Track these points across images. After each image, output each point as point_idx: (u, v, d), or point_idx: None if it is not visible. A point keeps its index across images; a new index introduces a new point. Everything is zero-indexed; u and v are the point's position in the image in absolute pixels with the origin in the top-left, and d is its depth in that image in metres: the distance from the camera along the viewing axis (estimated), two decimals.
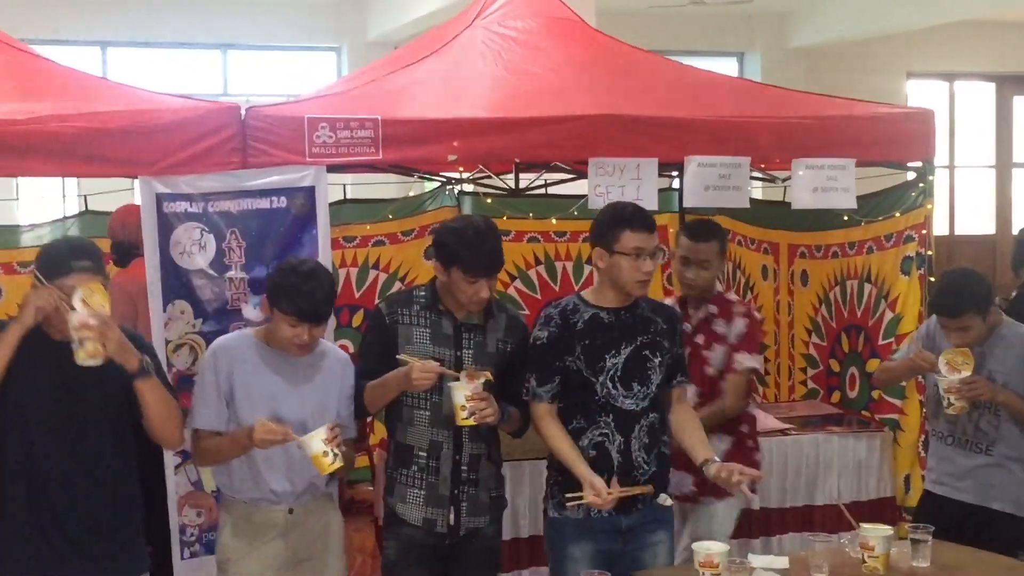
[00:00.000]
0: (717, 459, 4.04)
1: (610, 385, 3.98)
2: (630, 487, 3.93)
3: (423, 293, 4.10)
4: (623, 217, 3.98)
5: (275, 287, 3.84)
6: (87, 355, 3.37)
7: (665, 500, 4.07)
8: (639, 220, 3.97)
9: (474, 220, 4.11)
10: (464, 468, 4.04)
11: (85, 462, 3.56)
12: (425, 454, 4.02)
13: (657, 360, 4.04)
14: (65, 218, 8.18)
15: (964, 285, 4.62)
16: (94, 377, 3.42)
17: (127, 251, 5.93)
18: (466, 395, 3.78)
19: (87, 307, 3.37)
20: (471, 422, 3.81)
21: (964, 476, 4.66)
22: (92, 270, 3.48)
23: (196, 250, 4.88)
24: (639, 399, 4.00)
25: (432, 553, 4.07)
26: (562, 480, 4.01)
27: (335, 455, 3.65)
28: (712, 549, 3.69)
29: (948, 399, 4.45)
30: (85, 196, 8.03)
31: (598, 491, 3.83)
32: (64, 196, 9.19)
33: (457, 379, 3.83)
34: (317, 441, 3.64)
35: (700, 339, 4.84)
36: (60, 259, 3.47)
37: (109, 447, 3.59)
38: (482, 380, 3.81)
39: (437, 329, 4.02)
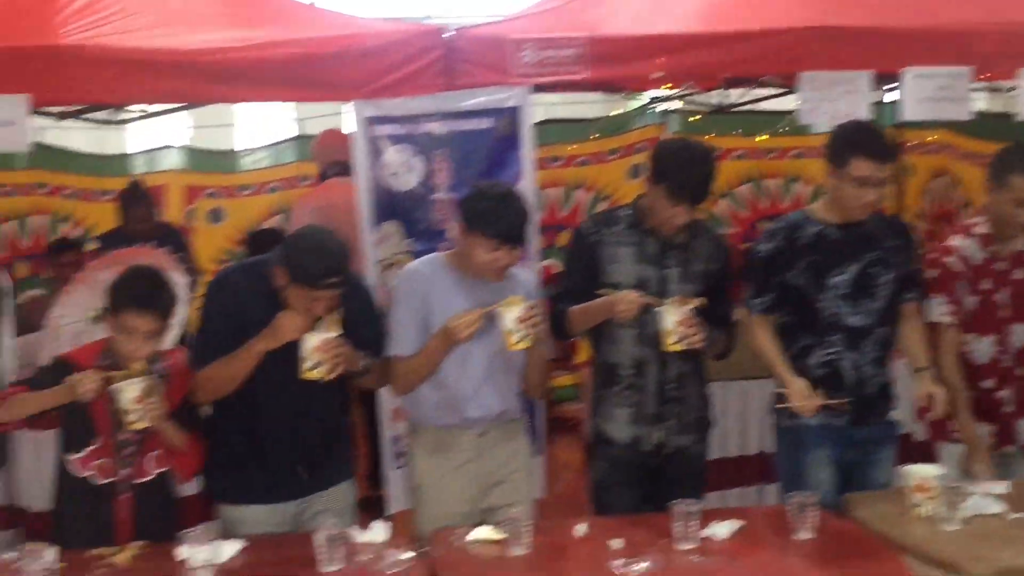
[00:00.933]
0: (930, 370, 3.97)
1: (839, 303, 3.91)
2: (831, 398, 3.85)
3: (628, 211, 4.06)
4: (856, 142, 3.84)
5: (471, 212, 3.76)
6: (313, 375, 3.56)
7: (897, 416, 4.06)
8: (872, 147, 3.81)
9: (694, 145, 4.01)
10: (670, 386, 4.02)
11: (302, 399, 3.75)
12: (631, 372, 4.01)
13: (886, 276, 3.94)
14: (280, 142, 8.45)
15: None
16: None
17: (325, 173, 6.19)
18: (675, 320, 3.74)
19: (326, 331, 3.55)
20: (679, 347, 3.78)
21: None
22: (337, 286, 3.59)
23: (405, 171, 4.97)
24: (867, 315, 3.92)
25: (638, 472, 4.08)
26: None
27: (524, 335, 3.63)
28: (926, 472, 3.59)
29: None
30: (300, 120, 8.27)
31: (800, 394, 3.81)
32: (281, 121, 9.46)
33: (664, 305, 3.79)
34: (511, 316, 3.62)
35: (1020, 274, 4.20)
36: (314, 274, 3.54)
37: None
38: (692, 306, 3.77)
39: (642, 248, 3.98)
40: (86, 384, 3.47)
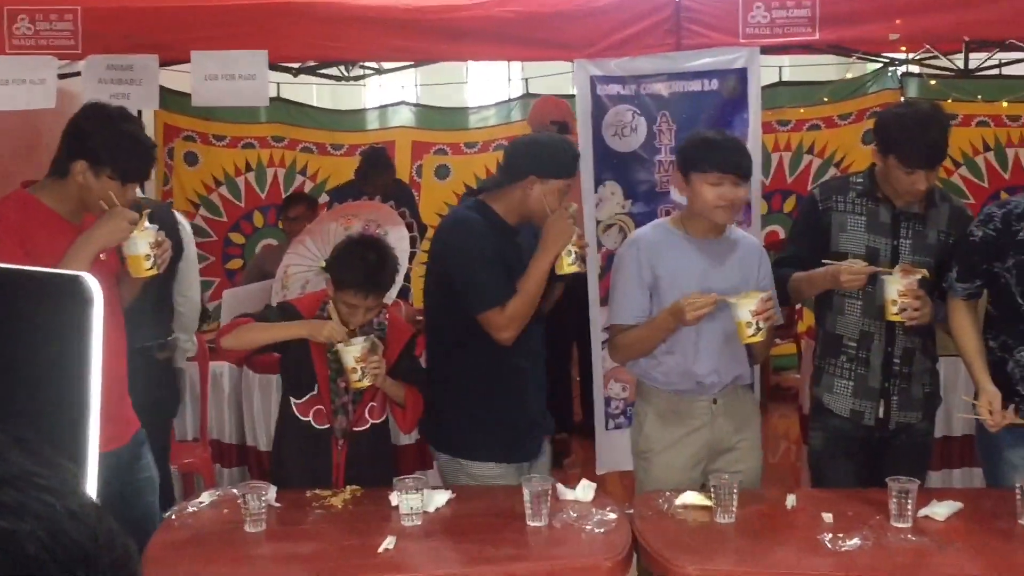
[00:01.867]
0: None
1: None
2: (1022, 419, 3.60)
3: (860, 180, 3.92)
4: None
5: (689, 153, 3.74)
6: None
7: None
8: None
9: (919, 106, 3.86)
10: (896, 361, 3.87)
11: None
12: (855, 344, 3.89)
13: None
14: (509, 100, 8.54)
15: None
16: None
17: None
18: (899, 290, 3.61)
19: None
20: (900, 318, 3.64)
21: None
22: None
23: (628, 132, 4.95)
24: None
25: (859, 445, 3.95)
26: (998, 385, 3.74)
27: (759, 328, 3.56)
28: None
29: None
30: (527, 79, 8.33)
31: (992, 406, 3.58)
32: (509, 79, 9.57)
33: (890, 274, 3.66)
34: (746, 309, 3.55)
35: None
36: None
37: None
38: (917, 277, 3.62)
39: (874, 217, 3.84)
40: (329, 331, 3.60)
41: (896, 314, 3.62)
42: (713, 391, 3.83)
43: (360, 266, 3.72)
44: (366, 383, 3.61)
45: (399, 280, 4.83)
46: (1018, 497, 3.29)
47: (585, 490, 3.49)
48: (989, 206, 3.85)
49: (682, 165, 3.79)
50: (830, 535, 3.14)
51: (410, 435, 5.23)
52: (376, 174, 7.17)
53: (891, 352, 3.86)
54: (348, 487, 3.61)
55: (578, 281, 4.37)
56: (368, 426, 3.84)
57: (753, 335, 3.58)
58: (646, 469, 3.91)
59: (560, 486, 3.48)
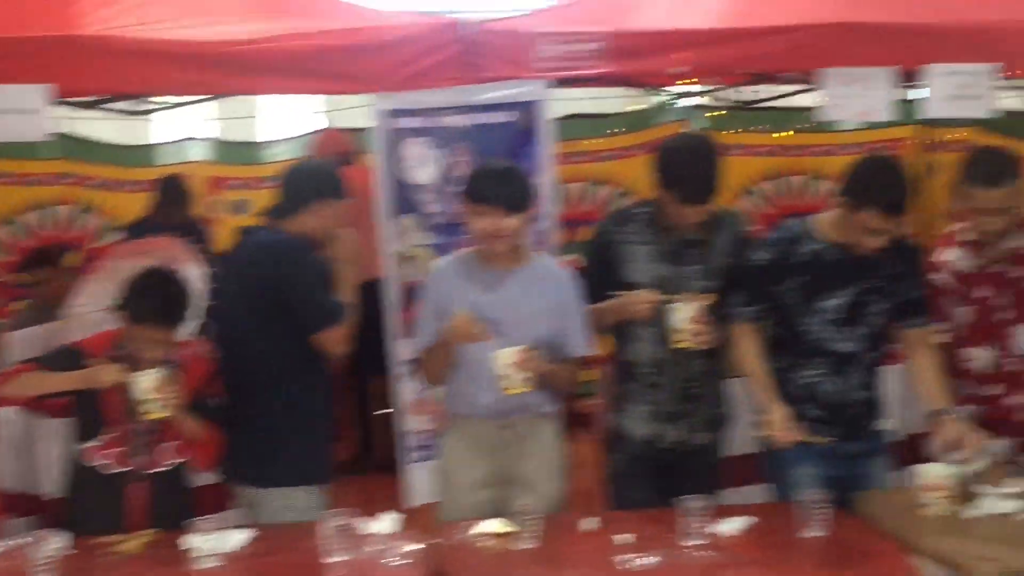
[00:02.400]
0: (952, 412, 3.80)
1: (824, 327, 3.81)
2: (811, 436, 3.78)
3: (645, 210, 4.02)
4: (871, 195, 3.63)
5: (465, 182, 3.83)
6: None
7: (883, 425, 3.97)
8: (886, 203, 3.62)
9: (692, 141, 4.00)
10: (689, 384, 3.99)
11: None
12: (650, 370, 3.99)
13: (882, 305, 3.82)
14: (305, 135, 8.46)
15: None
16: None
17: None
18: (685, 317, 3.72)
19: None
20: (687, 345, 3.75)
21: None
22: None
23: (424, 165, 4.97)
24: (854, 342, 3.83)
25: (655, 467, 4.06)
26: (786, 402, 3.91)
27: (519, 379, 3.61)
28: (937, 472, 3.56)
29: None
30: (327, 112, 8.28)
31: (781, 424, 3.75)
32: (304, 114, 9.50)
33: (676, 303, 3.76)
34: (502, 362, 3.60)
35: (1019, 271, 4.08)
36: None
37: None
38: (702, 304, 3.74)
39: (660, 246, 3.95)
40: (108, 375, 3.50)
41: (682, 342, 3.73)
42: (505, 416, 3.88)
43: (154, 299, 3.64)
44: (157, 415, 3.52)
45: (194, 317, 4.73)
46: (802, 511, 3.43)
47: (386, 522, 3.47)
48: (772, 231, 4.02)
49: (462, 196, 3.86)
50: (628, 556, 3.21)
51: (209, 475, 5.13)
52: (174, 206, 7.00)
53: (684, 376, 3.97)
54: (144, 531, 3.51)
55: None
56: (166, 467, 3.74)
57: (511, 387, 3.64)
58: (448, 496, 3.96)
59: (362, 521, 3.46)
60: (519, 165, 4.08)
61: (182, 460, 3.79)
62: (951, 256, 4.15)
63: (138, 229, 6.88)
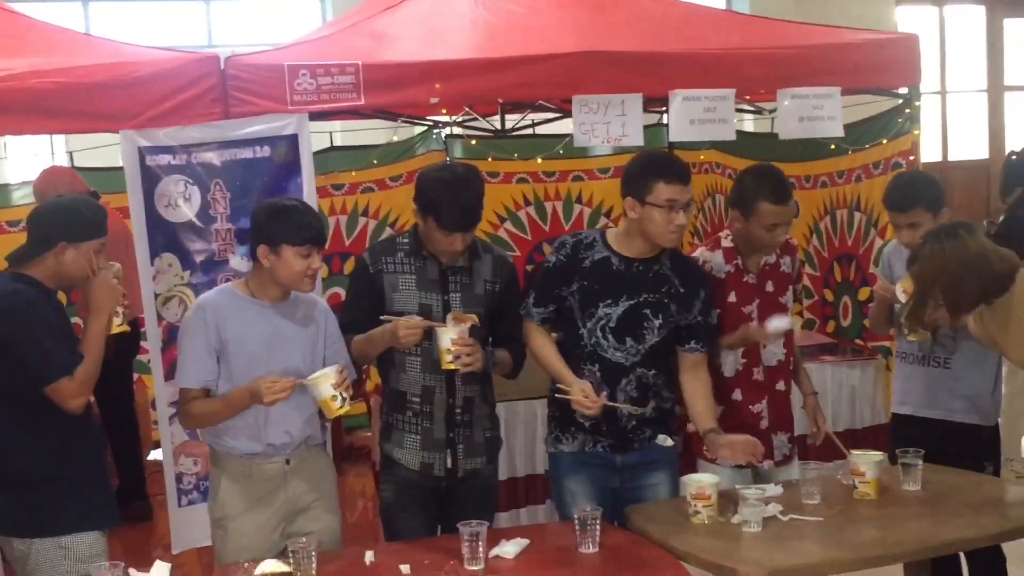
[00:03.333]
0: (720, 432, 3.95)
1: (599, 334, 3.93)
2: (620, 404, 3.89)
3: (406, 240, 4.05)
4: (656, 167, 3.86)
5: (270, 225, 3.74)
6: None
7: (665, 440, 4.04)
8: (673, 171, 3.84)
9: (455, 170, 4.02)
10: (458, 411, 4.02)
11: None
12: (419, 399, 4.00)
13: (657, 321, 3.95)
14: None
15: (914, 180, 4.65)
16: None
17: None
18: (452, 339, 3.77)
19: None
20: (456, 366, 3.80)
21: (925, 392, 4.51)
22: None
23: (181, 202, 4.87)
24: (630, 353, 3.94)
25: (430, 495, 4.07)
26: (560, 416, 4.01)
27: (344, 399, 3.62)
28: (704, 481, 3.71)
29: (905, 326, 4.21)
30: (71, 153, 7.99)
31: (587, 394, 3.83)
32: (53, 153, 9.15)
33: (443, 326, 3.81)
34: (326, 385, 3.60)
35: (770, 286, 4.31)
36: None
37: None
38: (468, 325, 3.80)
39: (423, 275, 3.98)
40: None
41: (451, 363, 3.78)
42: (285, 452, 3.84)
43: None
44: None
45: None
46: (576, 528, 3.51)
47: (159, 571, 3.37)
48: (563, 235, 4.14)
49: (262, 235, 3.76)
50: None
51: None
52: None
53: (452, 403, 4.00)
54: None
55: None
56: None
57: (340, 407, 3.65)
58: (223, 537, 3.87)
59: (132, 570, 3.34)
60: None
61: None
62: (709, 256, 4.28)
63: None
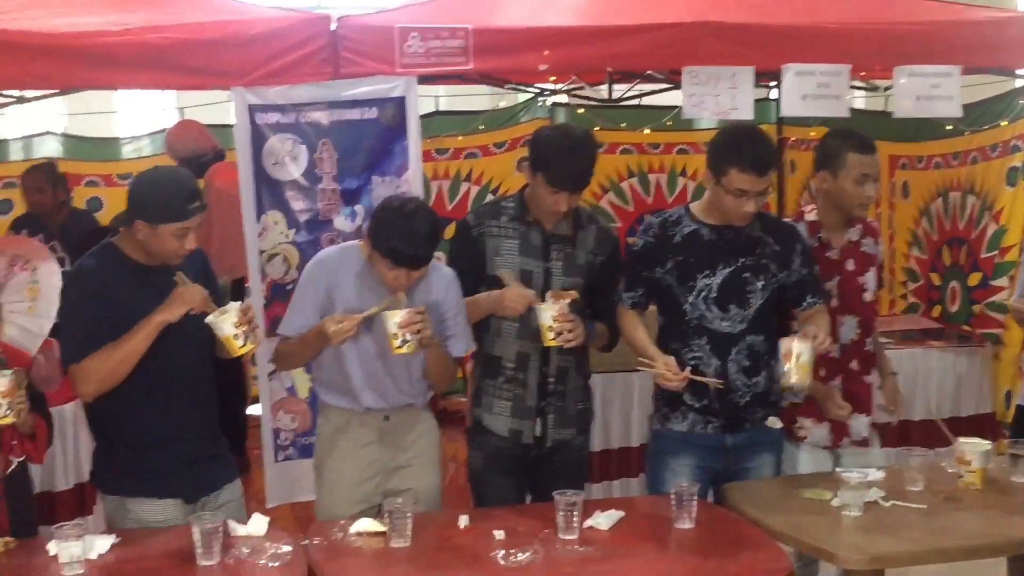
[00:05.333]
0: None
1: (703, 306, 3.86)
2: (705, 378, 3.81)
3: (511, 204, 4.03)
4: (735, 153, 3.75)
5: (375, 224, 3.67)
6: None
7: (775, 423, 3.97)
8: (750, 160, 3.72)
9: (572, 131, 3.96)
10: (551, 379, 4.01)
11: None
12: (513, 365, 4.00)
13: (759, 283, 3.87)
14: (164, 130, 8.27)
15: None
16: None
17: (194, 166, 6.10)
18: (552, 316, 3.73)
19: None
20: (557, 342, 3.76)
21: None
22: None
23: (288, 161, 4.91)
24: (736, 321, 3.86)
25: (518, 463, 4.06)
26: (669, 393, 3.93)
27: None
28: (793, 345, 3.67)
29: None
30: (182, 108, 8.11)
31: (670, 367, 3.78)
32: (163, 108, 9.29)
33: (541, 303, 3.77)
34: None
35: (851, 265, 4.20)
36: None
37: None
38: (567, 301, 3.76)
39: (526, 240, 3.96)
40: None
41: (552, 340, 3.74)
42: (381, 412, 3.87)
43: None
44: (10, 420, 3.36)
45: (51, 315, 4.59)
46: (672, 503, 3.48)
47: (257, 524, 3.42)
48: (647, 217, 4.08)
49: (369, 232, 3.72)
50: (503, 551, 3.22)
51: (67, 481, 5.00)
52: (41, 190, 6.75)
53: (546, 372, 3.98)
54: (0, 539, 3.38)
55: None
56: (14, 466, 3.60)
57: (400, 347, 3.59)
58: (320, 482, 3.97)
59: (232, 522, 3.39)
60: (423, 203, 3.88)
61: (21, 458, 3.63)
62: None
63: (21, 224, 6.69)
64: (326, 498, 3.92)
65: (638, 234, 4.00)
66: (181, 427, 3.68)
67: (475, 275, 3.93)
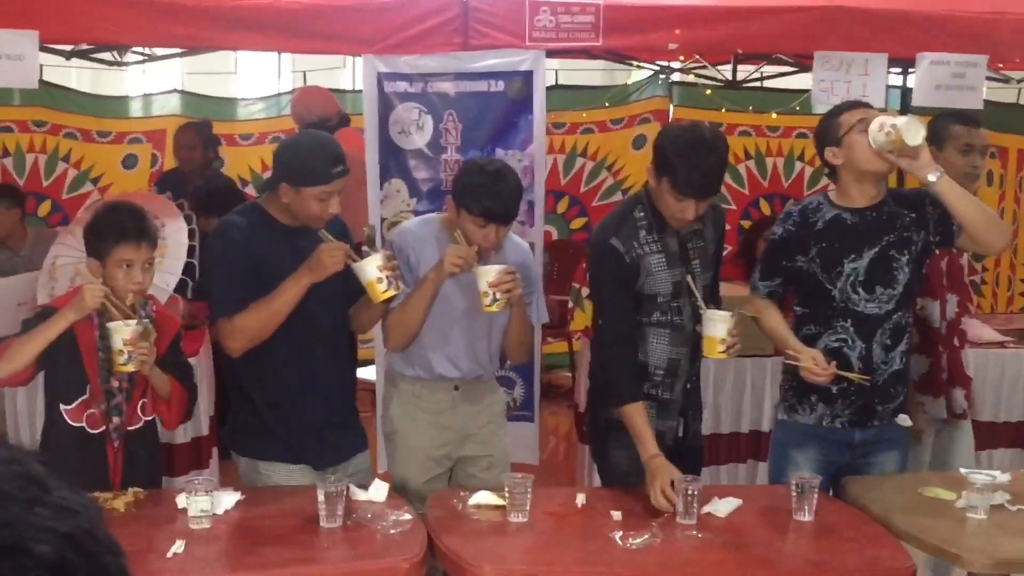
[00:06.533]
0: None
1: (849, 290, 3.75)
2: (849, 372, 3.75)
3: (642, 216, 3.76)
4: (836, 109, 3.77)
5: (462, 186, 3.71)
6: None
7: (904, 420, 3.90)
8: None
9: (700, 130, 3.72)
10: (693, 378, 3.94)
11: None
12: (663, 372, 3.84)
13: (905, 258, 3.76)
14: (280, 94, 8.38)
15: None
16: None
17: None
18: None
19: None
20: (728, 355, 3.66)
21: None
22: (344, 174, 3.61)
23: (414, 130, 4.95)
24: (883, 302, 3.75)
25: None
26: (798, 384, 3.85)
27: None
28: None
29: None
30: (303, 72, 8.19)
31: (818, 362, 3.69)
32: (280, 73, 9.40)
33: (713, 312, 3.64)
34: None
35: None
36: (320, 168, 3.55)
37: None
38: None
39: (668, 251, 3.76)
40: (94, 294, 3.42)
41: (723, 352, 3.65)
42: (453, 382, 3.92)
43: (124, 218, 3.55)
44: (131, 368, 3.42)
45: (177, 271, 4.68)
46: (793, 493, 3.44)
47: (378, 490, 3.46)
48: (787, 206, 4.03)
49: (454, 190, 3.77)
50: (620, 532, 3.22)
51: (185, 435, 5.09)
52: (192, 147, 6.86)
53: (689, 375, 3.92)
54: (130, 489, 3.47)
55: None
56: (141, 424, 3.69)
57: (490, 304, 3.62)
58: (392, 452, 4.01)
59: (353, 487, 3.43)
60: (507, 163, 3.93)
61: (153, 417, 3.72)
62: None
63: (167, 182, 6.80)
64: (401, 466, 3.95)
65: (777, 223, 3.90)
66: (318, 387, 3.73)
67: (628, 296, 3.75)
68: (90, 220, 3.66)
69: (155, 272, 3.72)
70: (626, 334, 3.77)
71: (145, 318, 3.58)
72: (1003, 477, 3.67)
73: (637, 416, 3.68)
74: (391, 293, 3.57)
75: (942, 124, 4.30)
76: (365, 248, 3.73)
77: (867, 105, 3.77)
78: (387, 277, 3.52)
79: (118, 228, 3.54)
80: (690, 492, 3.36)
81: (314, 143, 3.68)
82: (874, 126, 3.54)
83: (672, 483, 3.44)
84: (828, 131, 3.75)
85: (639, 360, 3.84)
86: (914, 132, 3.44)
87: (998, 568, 3.17)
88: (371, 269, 3.51)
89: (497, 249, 3.82)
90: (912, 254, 3.77)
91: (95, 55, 6.34)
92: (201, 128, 7.02)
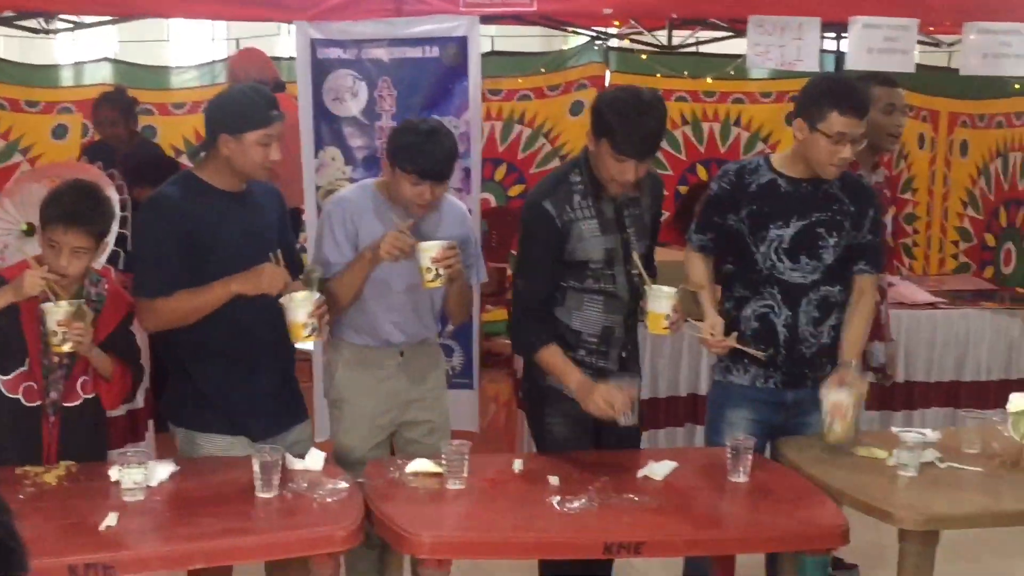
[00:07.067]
0: (852, 366, 3.78)
1: (773, 256, 3.80)
2: (747, 345, 3.79)
3: (578, 180, 3.75)
4: (835, 96, 3.67)
5: (397, 146, 3.71)
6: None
7: None
8: (851, 103, 3.65)
9: (639, 92, 3.70)
10: (629, 347, 3.93)
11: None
12: (597, 339, 3.84)
13: (832, 240, 3.80)
14: (214, 62, 8.26)
15: None
16: None
17: None
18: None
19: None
20: (669, 331, 3.70)
21: None
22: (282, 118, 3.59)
23: (348, 97, 4.90)
24: (807, 272, 3.81)
25: (593, 424, 3.97)
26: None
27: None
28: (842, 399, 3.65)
29: None
30: (237, 40, 8.08)
31: (714, 331, 3.76)
32: (213, 39, 9.28)
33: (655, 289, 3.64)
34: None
35: None
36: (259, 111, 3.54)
37: None
38: (679, 291, 3.65)
39: (602, 217, 3.75)
40: (33, 282, 3.38)
41: (667, 328, 3.66)
42: (399, 347, 3.93)
43: (64, 199, 3.50)
44: (66, 348, 3.40)
45: (110, 243, 4.61)
46: (728, 455, 3.47)
47: (314, 459, 3.44)
48: (726, 164, 4.04)
49: (388, 150, 3.78)
50: (558, 497, 3.23)
51: (120, 408, 5.03)
52: (123, 121, 6.70)
53: (625, 342, 3.92)
54: (61, 462, 3.43)
55: None
56: (80, 401, 3.64)
57: (432, 280, 3.62)
58: (339, 418, 4.03)
59: (289, 456, 3.41)
60: (442, 122, 3.91)
61: (91, 396, 3.68)
62: None
63: (96, 153, 6.65)
64: (347, 434, 3.97)
65: (715, 179, 3.94)
66: (257, 359, 3.70)
67: (557, 260, 3.74)
68: (48, 195, 3.60)
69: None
70: (543, 297, 3.78)
71: (96, 296, 3.54)
72: (933, 435, 3.74)
73: (555, 355, 3.72)
74: (312, 339, 3.60)
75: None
76: (301, 277, 3.71)
77: (859, 112, 3.70)
78: (312, 323, 3.50)
79: (54, 206, 3.50)
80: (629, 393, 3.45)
81: (248, 89, 3.71)
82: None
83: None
84: (811, 111, 3.72)
85: (570, 327, 3.84)
86: None
87: (928, 524, 3.23)
88: (300, 313, 3.49)
89: (434, 209, 3.81)
90: (840, 238, 3.81)
91: (19, 22, 6.21)
92: (117, 101, 6.82)
